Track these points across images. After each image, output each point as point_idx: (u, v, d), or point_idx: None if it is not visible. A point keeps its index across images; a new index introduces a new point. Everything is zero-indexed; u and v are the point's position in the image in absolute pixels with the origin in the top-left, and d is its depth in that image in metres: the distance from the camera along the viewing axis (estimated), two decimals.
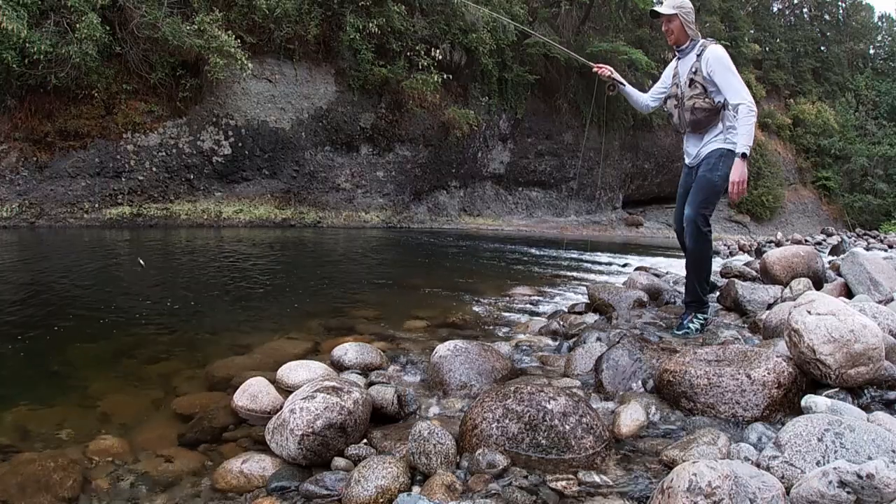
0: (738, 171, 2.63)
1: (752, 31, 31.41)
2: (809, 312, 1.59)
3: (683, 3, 2.85)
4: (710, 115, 2.83)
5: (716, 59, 2.73)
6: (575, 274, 6.42)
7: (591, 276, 6.27)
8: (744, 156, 2.61)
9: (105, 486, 1.50)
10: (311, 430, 1.53)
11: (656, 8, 2.86)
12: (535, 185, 19.78)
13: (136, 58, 11.12)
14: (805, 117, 30.95)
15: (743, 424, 1.51)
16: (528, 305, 4.12)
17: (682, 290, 4.44)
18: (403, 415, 1.84)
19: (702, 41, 2.88)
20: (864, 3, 39.76)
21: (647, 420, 1.63)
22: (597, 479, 1.33)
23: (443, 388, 2.07)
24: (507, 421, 1.47)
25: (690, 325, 2.75)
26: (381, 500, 1.29)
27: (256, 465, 1.54)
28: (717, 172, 2.76)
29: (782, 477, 1.14)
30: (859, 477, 0.96)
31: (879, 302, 2.51)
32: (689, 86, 2.85)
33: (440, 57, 14.71)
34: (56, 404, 2.06)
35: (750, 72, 29.05)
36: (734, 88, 2.70)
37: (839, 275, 3.35)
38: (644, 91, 3.24)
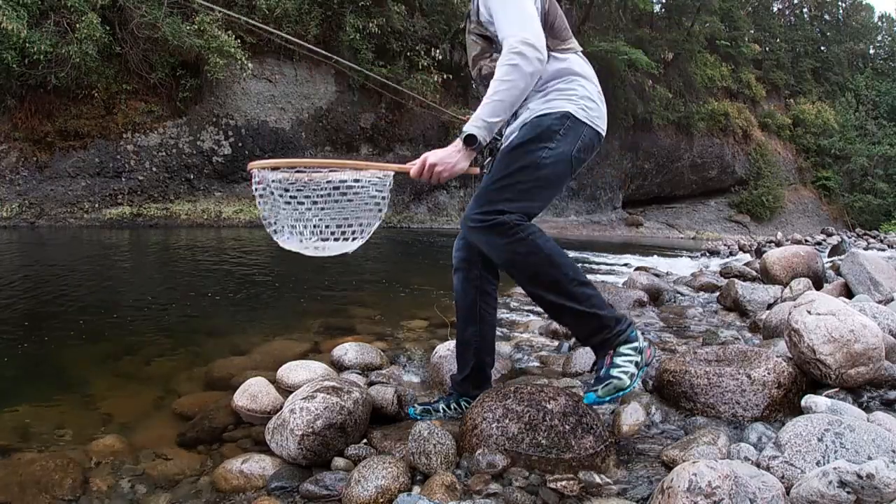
0: (443, 155, 1.48)
1: (752, 31, 31.45)
2: (809, 312, 1.59)
3: None
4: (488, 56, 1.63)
5: None
6: None
7: (592, 276, 6.27)
8: (469, 140, 1.46)
9: (105, 486, 1.50)
10: (311, 430, 1.53)
11: None
12: None
13: (136, 58, 11.13)
14: (805, 117, 30.99)
15: (743, 424, 1.51)
16: (528, 305, 4.12)
17: (676, 290, 4.38)
18: (403, 415, 1.84)
19: None
20: (864, 3, 39.79)
21: (648, 420, 1.63)
22: (597, 479, 1.33)
23: (443, 388, 2.07)
24: (507, 421, 1.47)
25: (615, 372, 1.50)
26: (381, 500, 1.29)
27: (256, 466, 1.54)
28: (540, 146, 1.53)
29: (782, 477, 1.14)
30: (859, 477, 0.96)
31: (879, 302, 2.51)
32: (470, 14, 1.67)
33: (440, 57, 14.73)
34: (56, 404, 2.06)
35: (750, 72, 29.09)
36: (502, 16, 1.49)
37: (839, 275, 3.35)
38: None
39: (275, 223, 1.46)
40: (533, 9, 1.49)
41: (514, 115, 1.62)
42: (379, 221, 1.52)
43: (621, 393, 1.50)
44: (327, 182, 1.44)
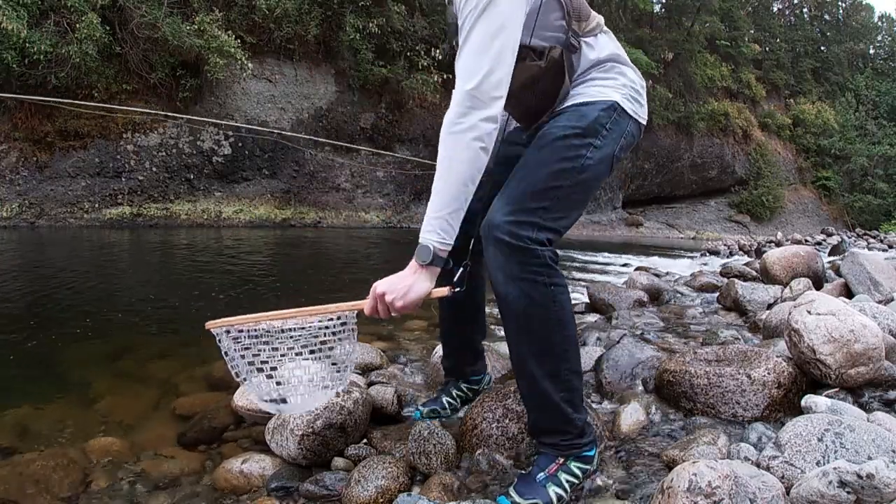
0: (394, 281, 1.22)
1: (752, 31, 31.45)
2: (809, 312, 1.59)
3: None
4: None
5: None
6: (575, 274, 6.42)
7: (592, 276, 6.27)
8: (423, 254, 1.21)
9: (105, 485, 1.50)
10: (310, 429, 1.53)
11: None
12: None
13: (136, 58, 11.13)
14: (805, 117, 31.00)
15: (743, 424, 1.51)
16: None
17: (676, 290, 4.35)
18: (403, 415, 1.84)
19: None
20: (864, 3, 39.82)
21: (647, 420, 1.63)
22: (597, 479, 1.33)
23: None
24: (507, 421, 1.47)
25: (551, 490, 1.23)
26: (381, 500, 1.29)
27: (256, 465, 1.54)
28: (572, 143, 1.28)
29: (782, 477, 1.14)
30: (859, 477, 0.96)
31: (879, 302, 2.51)
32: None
33: (440, 57, 14.72)
34: (56, 404, 2.06)
35: (750, 72, 29.09)
36: (463, 46, 1.19)
37: (839, 275, 3.35)
38: None
39: (247, 381, 1.28)
40: (509, 42, 1.17)
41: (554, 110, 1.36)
42: (352, 365, 1.30)
43: None
44: (280, 332, 1.25)
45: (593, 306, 3.50)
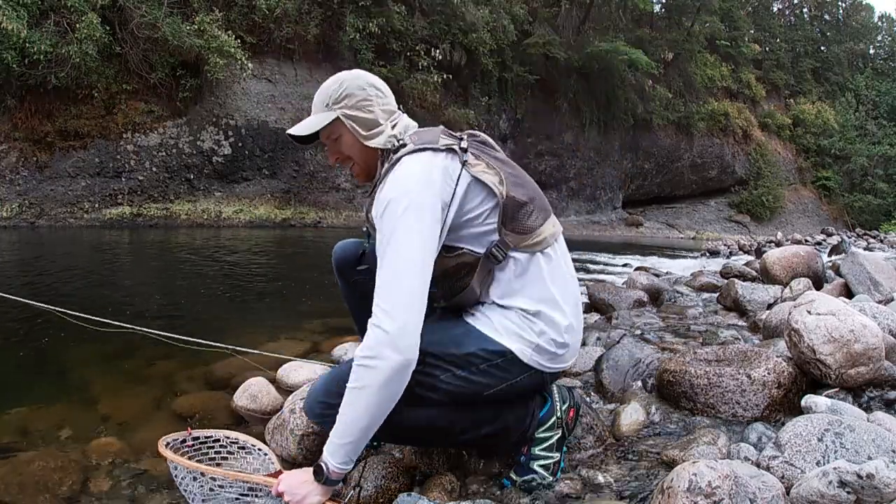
0: (294, 484, 1.21)
1: (752, 31, 31.47)
2: (809, 312, 1.59)
3: (349, 88, 1.32)
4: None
5: (382, 202, 1.19)
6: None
7: (591, 276, 6.27)
8: (318, 472, 1.19)
9: (105, 486, 1.50)
10: (311, 429, 1.53)
11: (295, 129, 1.35)
12: None
13: (136, 58, 11.14)
14: (805, 117, 31.01)
15: (743, 424, 1.51)
16: None
17: (676, 290, 4.37)
18: None
19: (397, 154, 1.26)
20: (864, 3, 39.85)
21: (648, 420, 1.63)
22: (599, 478, 1.33)
23: None
24: None
25: (536, 466, 1.33)
26: (381, 500, 1.29)
27: None
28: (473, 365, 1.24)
29: (782, 477, 1.14)
30: (859, 477, 0.96)
31: (879, 302, 2.51)
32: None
33: (440, 57, 14.75)
34: (56, 404, 2.06)
35: (750, 72, 29.10)
36: (378, 266, 1.17)
37: (839, 275, 3.35)
38: None
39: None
40: (419, 273, 1.13)
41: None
42: None
43: (545, 482, 1.32)
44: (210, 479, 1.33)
45: (593, 306, 3.50)
